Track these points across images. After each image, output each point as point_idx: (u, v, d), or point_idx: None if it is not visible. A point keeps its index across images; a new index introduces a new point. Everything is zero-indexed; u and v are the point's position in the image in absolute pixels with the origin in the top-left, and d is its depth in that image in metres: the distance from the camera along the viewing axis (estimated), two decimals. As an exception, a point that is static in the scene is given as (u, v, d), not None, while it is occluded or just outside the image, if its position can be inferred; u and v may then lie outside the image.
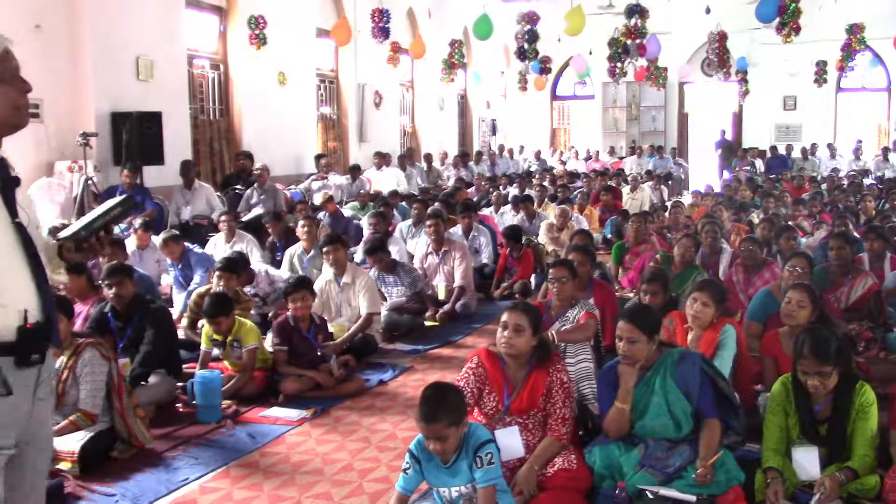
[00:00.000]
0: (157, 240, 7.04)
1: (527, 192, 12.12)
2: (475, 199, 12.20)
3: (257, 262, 7.40)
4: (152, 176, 8.91)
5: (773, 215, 8.89)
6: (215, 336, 5.05)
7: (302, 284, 5.27)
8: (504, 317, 3.57)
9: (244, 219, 9.20)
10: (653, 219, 8.72)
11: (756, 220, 8.72)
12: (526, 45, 15.96)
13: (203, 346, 5.14)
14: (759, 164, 17.75)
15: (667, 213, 9.36)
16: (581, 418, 3.88)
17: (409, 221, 9.09)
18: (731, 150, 18.86)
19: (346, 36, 12.61)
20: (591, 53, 17.49)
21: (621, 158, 19.63)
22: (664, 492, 3.24)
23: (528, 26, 15.93)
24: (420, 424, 2.95)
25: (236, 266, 5.94)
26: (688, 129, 21.04)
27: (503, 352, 3.56)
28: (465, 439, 3.00)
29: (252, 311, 6.09)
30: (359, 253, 7.82)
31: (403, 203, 10.97)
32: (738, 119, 20.37)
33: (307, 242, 7.54)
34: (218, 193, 9.74)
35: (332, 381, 5.00)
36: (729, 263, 6.65)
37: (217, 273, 5.79)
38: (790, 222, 8.43)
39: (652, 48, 15.29)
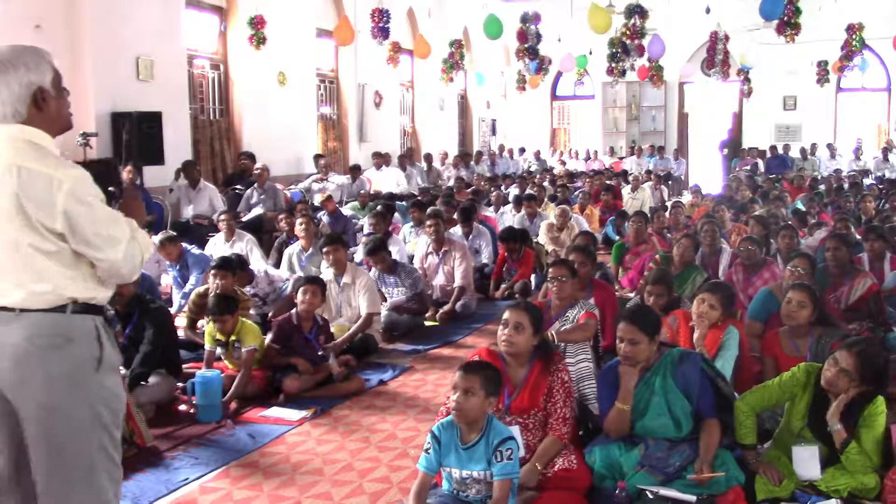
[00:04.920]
0: (155, 240, 7.05)
1: (529, 192, 12.11)
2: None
3: (257, 262, 7.41)
4: (152, 176, 8.90)
5: (771, 214, 8.89)
6: (218, 336, 5.07)
7: (315, 280, 5.34)
8: (505, 315, 3.58)
9: (244, 219, 9.21)
10: (652, 219, 8.72)
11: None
12: (534, 45, 15.96)
13: (207, 346, 5.16)
14: (760, 165, 17.77)
15: (667, 213, 9.36)
16: (581, 418, 3.89)
17: (411, 224, 9.09)
18: (737, 150, 18.87)
19: (348, 36, 12.59)
20: (590, 53, 17.49)
21: (621, 158, 19.63)
22: (664, 492, 3.25)
23: (535, 26, 15.94)
24: (456, 376, 3.08)
25: (231, 265, 5.94)
26: (688, 129, 21.03)
27: (503, 350, 3.57)
28: (486, 428, 3.07)
29: (252, 311, 6.10)
30: (359, 253, 7.82)
31: (402, 202, 10.99)
32: (738, 119, 20.36)
33: (305, 241, 7.56)
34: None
35: (309, 368, 5.02)
36: (728, 263, 6.65)
37: (213, 272, 5.80)
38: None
39: (656, 48, 15.27)
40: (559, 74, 20.83)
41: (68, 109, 2.47)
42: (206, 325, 5.31)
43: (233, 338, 5.05)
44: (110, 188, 2.60)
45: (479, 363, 3.28)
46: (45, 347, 2.30)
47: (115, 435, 2.46)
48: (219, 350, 5.12)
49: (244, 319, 5.20)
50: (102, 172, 2.62)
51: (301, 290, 5.20)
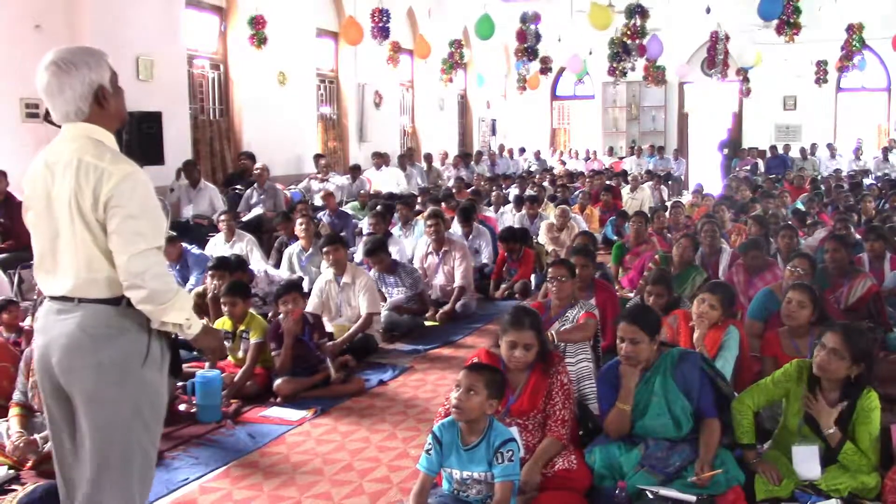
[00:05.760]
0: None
1: (530, 192, 12.12)
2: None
3: (257, 262, 7.41)
4: (152, 176, 8.88)
5: (771, 214, 8.89)
6: (227, 326, 5.12)
7: (291, 287, 5.28)
8: (510, 337, 3.49)
9: (244, 219, 9.21)
10: (652, 219, 8.72)
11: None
12: (533, 45, 15.97)
13: None
14: (760, 165, 17.77)
15: (667, 213, 9.37)
16: (581, 418, 3.88)
17: (399, 226, 9.04)
18: (737, 150, 18.87)
19: (356, 36, 12.57)
20: (590, 53, 17.49)
21: (621, 158, 19.62)
22: (664, 492, 3.25)
23: (534, 26, 15.94)
24: (461, 374, 3.08)
25: (229, 265, 5.94)
26: (688, 129, 21.02)
27: (511, 367, 3.55)
28: (487, 429, 3.07)
29: (251, 311, 6.09)
30: (358, 253, 7.82)
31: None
32: (738, 119, 20.36)
33: (305, 241, 7.56)
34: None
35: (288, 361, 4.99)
36: (729, 264, 6.65)
37: (210, 273, 5.81)
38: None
39: (655, 48, 15.26)
40: (559, 74, 20.84)
41: (125, 105, 2.60)
42: (217, 321, 5.34)
43: (242, 327, 5.12)
44: None
45: (486, 365, 3.32)
46: (96, 337, 2.41)
47: (155, 433, 2.55)
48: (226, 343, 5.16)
49: (255, 314, 5.27)
50: None
51: (281, 301, 5.10)
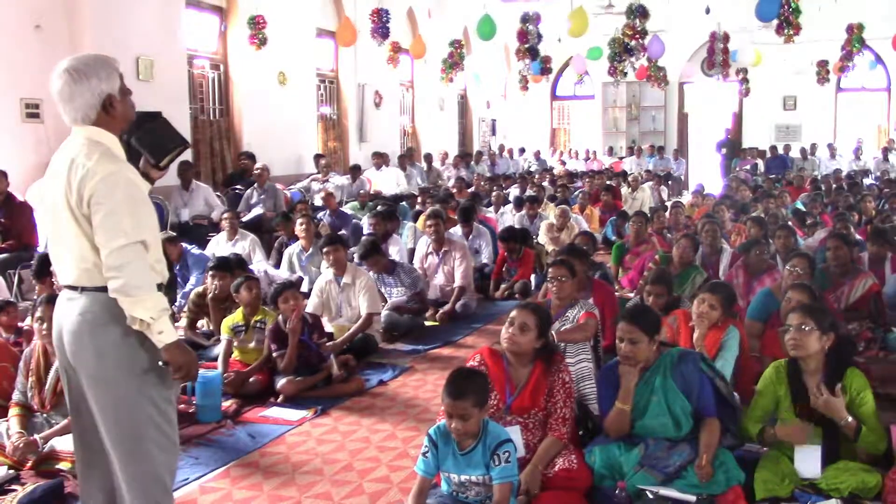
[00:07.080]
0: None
1: (530, 192, 12.11)
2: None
3: (258, 263, 7.42)
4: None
5: (771, 214, 8.88)
6: (238, 320, 5.20)
7: (290, 286, 5.32)
8: (512, 313, 3.58)
9: (244, 219, 9.20)
10: (652, 219, 8.72)
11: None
12: (534, 45, 15.99)
13: (224, 335, 5.23)
14: (760, 165, 17.78)
15: (667, 213, 9.36)
16: (581, 418, 3.89)
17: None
18: (735, 150, 18.86)
19: (350, 37, 12.58)
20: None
21: (621, 158, 19.62)
22: (664, 492, 3.25)
23: (534, 27, 15.94)
24: (446, 402, 3.02)
25: (230, 265, 5.94)
26: (688, 129, 21.02)
27: (505, 348, 3.57)
28: (482, 432, 3.06)
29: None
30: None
31: (403, 203, 11.01)
32: (738, 119, 20.36)
33: (305, 241, 7.56)
34: (217, 193, 9.73)
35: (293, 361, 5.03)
36: (729, 263, 6.64)
37: (211, 273, 5.81)
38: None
39: (656, 48, 15.27)
40: (559, 74, 20.82)
41: (132, 107, 2.75)
42: (228, 316, 5.39)
43: (257, 318, 5.22)
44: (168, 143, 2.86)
45: (461, 377, 3.10)
46: (93, 323, 2.57)
47: (165, 409, 2.65)
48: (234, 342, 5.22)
49: (265, 308, 5.37)
50: (157, 127, 2.89)
51: (281, 299, 5.09)
